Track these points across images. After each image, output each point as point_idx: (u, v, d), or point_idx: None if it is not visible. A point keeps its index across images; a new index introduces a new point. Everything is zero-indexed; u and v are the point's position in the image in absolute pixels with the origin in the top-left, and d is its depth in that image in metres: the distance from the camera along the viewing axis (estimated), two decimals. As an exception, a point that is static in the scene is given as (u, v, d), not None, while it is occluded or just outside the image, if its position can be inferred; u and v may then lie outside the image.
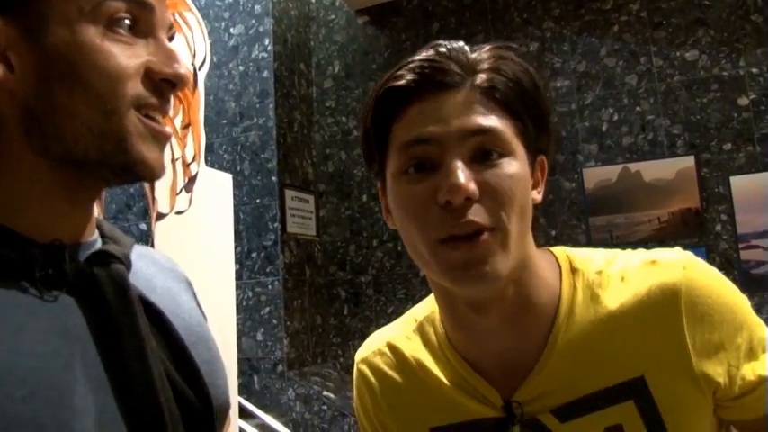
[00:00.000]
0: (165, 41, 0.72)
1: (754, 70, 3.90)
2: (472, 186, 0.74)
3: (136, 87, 0.68)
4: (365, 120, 0.85)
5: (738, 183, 3.90)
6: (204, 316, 0.88)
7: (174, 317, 0.76)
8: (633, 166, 4.10)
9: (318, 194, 4.69)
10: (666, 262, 0.83)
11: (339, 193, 4.67)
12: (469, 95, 0.78)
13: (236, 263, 4.13)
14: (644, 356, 0.81)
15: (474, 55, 0.81)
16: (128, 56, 0.68)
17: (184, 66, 0.72)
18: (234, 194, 4.25)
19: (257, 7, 4.42)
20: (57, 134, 0.66)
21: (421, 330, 0.95)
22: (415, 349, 0.94)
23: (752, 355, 0.81)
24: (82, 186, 0.71)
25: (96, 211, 0.78)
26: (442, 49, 0.81)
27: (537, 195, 0.85)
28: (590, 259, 0.88)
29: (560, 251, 0.90)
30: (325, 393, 3.97)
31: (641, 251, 0.88)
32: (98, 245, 0.75)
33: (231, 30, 4.50)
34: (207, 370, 0.76)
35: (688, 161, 4.01)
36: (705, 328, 0.80)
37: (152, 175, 0.71)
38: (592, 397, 0.81)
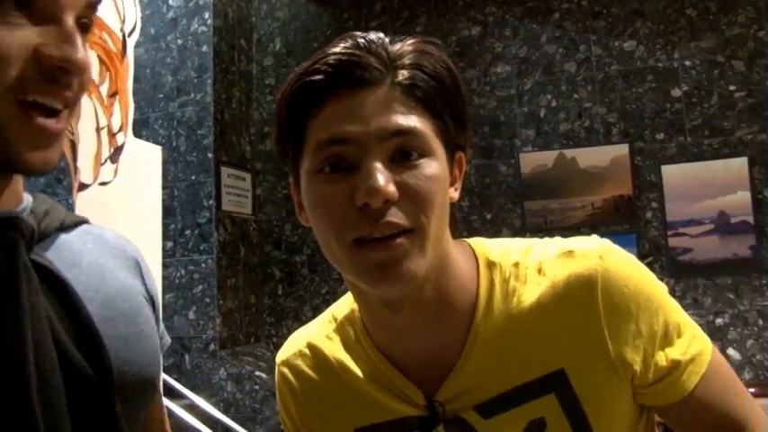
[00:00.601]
0: (68, 24, 0.66)
1: (688, 63, 4.00)
2: (392, 188, 0.71)
3: (17, 72, 0.63)
4: (279, 113, 0.81)
5: (669, 172, 4.01)
6: (149, 294, 0.88)
7: (91, 290, 0.75)
8: (569, 153, 4.17)
9: (255, 173, 4.62)
10: (582, 252, 0.83)
11: (276, 172, 4.61)
12: (389, 93, 0.75)
13: (169, 240, 4.05)
14: (563, 349, 0.81)
15: (395, 48, 0.77)
16: (11, 38, 0.62)
17: (80, 50, 0.66)
18: (169, 171, 4.17)
19: (197, -21, 4.31)
20: None
21: (341, 330, 0.93)
22: (336, 349, 0.92)
23: (666, 340, 0.82)
24: None
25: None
26: (361, 41, 0.76)
27: (454, 193, 0.83)
28: (507, 252, 0.87)
29: (477, 244, 0.89)
30: (257, 373, 3.94)
31: (558, 240, 0.87)
32: (23, 215, 0.73)
33: (170, 1, 4.37)
34: (121, 345, 0.75)
35: (622, 149, 4.10)
36: (622, 318, 0.80)
37: (37, 171, 0.67)
38: (514, 392, 0.81)
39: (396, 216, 0.72)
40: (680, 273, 3.86)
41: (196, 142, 4.18)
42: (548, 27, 4.25)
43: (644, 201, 4.01)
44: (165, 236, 3.98)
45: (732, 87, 3.95)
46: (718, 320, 3.83)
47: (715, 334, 3.72)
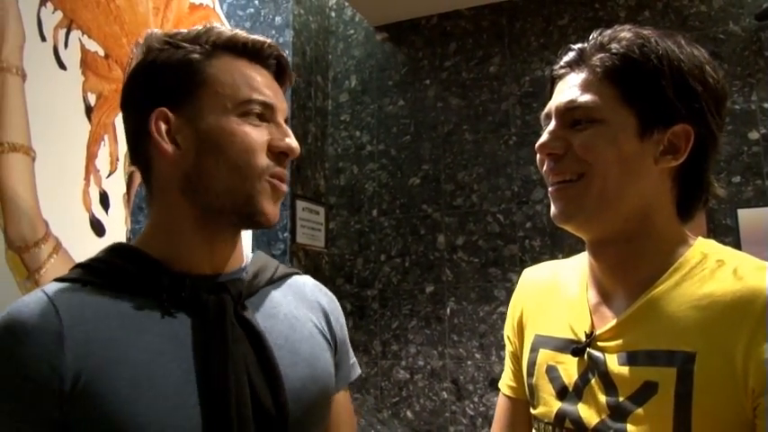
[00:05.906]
0: (283, 124, 1.00)
1: (766, 105, 3.93)
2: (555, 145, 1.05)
3: (263, 159, 0.96)
4: None
5: (745, 216, 3.93)
6: (333, 339, 1.13)
7: (282, 339, 1.00)
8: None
9: (329, 207, 4.72)
10: None
11: (349, 207, 4.69)
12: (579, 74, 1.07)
13: (244, 270, 4.15)
14: (707, 338, 0.86)
15: (592, 40, 1.06)
16: (256, 135, 0.96)
17: (294, 140, 1.01)
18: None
19: (278, 19, 4.48)
20: (205, 190, 0.95)
21: (580, 261, 1.12)
22: (567, 274, 1.13)
23: None
24: (218, 230, 0.98)
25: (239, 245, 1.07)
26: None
27: (670, 161, 0.98)
28: (719, 251, 0.96)
29: (704, 240, 1.00)
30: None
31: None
32: (241, 275, 1.02)
33: (251, 40, 4.53)
34: (299, 386, 0.98)
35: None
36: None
37: (269, 222, 0.98)
38: (654, 352, 0.90)
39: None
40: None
41: (273, 176, 4.29)
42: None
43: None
44: (241, 266, 4.06)
45: (812, 130, 3.86)
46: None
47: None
